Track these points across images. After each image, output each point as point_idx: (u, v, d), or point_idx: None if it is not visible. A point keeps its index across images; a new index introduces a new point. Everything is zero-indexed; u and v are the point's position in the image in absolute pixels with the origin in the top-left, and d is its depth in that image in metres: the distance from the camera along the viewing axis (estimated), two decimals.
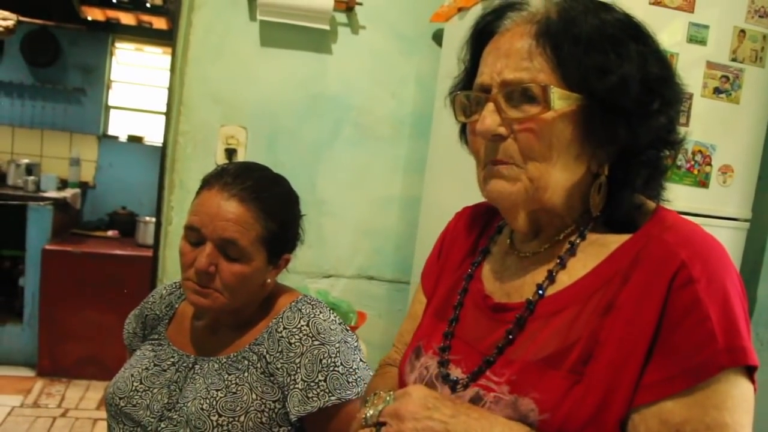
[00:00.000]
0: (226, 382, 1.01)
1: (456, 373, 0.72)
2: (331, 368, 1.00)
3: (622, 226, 0.69)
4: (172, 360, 1.08)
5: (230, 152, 2.22)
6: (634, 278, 0.62)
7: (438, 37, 2.29)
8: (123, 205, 4.05)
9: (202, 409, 0.98)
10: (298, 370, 1.00)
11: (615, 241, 0.67)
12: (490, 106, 0.67)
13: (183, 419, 0.99)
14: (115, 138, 4.50)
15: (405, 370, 0.81)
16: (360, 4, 2.22)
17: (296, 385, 0.99)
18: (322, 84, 2.28)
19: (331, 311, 1.08)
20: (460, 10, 1.93)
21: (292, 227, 1.11)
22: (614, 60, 0.64)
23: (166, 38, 4.01)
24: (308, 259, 2.28)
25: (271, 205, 1.04)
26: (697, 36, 1.45)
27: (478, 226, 0.87)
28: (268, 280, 1.08)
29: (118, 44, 4.56)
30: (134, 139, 4.48)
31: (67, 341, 3.23)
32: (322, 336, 1.02)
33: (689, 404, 0.58)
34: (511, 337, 0.69)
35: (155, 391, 1.04)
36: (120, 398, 1.05)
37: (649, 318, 0.60)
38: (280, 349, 1.02)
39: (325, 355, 1.00)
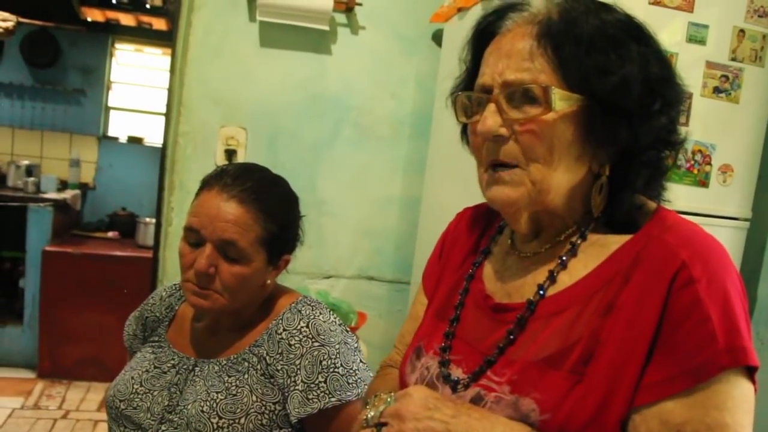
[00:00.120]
0: (226, 384, 1.01)
1: (457, 373, 0.72)
2: (331, 369, 1.00)
3: (622, 227, 0.69)
4: (172, 362, 1.08)
5: (230, 153, 2.22)
6: (635, 278, 0.62)
7: (438, 38, 2.29)
8: (123, 206, 4.05)
9: (202, 411, 0.98)
10: (298, 372, 1.00)
11: (616, 241, 0.68)
12: (492, 106, 0.67)
13: (183, 421, 0.99)
14: (115, 139, 4.50)
15: (406, 370, 0.81)
16: (359, 4, 2.22)
17: (296, 387, 0.99)
18: (322, 84, 2.28)
19: (331, 312, 1.08)
20: (459, 10, 1.93)
21: (292, 228, 1.11)
22: (615, 60, 0.64)
23: (165, 39, 4.00)
24: (308, 259, 2.28)
25: (271, 206, 1.04)
26: (696, 36, 1.45)
27: (479, 227, 0.87)
28: (268, 281, 1.08)
29: (117, 45, 4.57)
30: (134, 140, 4.48)
31: (67, 342, 3.23)
32: (322, 337, 1.02)
33: (690, 405, 0.58)
34: (512, 337, 0.69)
35: (155, 393, 1.04)
36: (120, 401, 1.05)
37: (650, 318, 0.60)
38: (280, 351, 1.02)
39: (325, 357, 1.00)
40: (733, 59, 1.49)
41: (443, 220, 0.96)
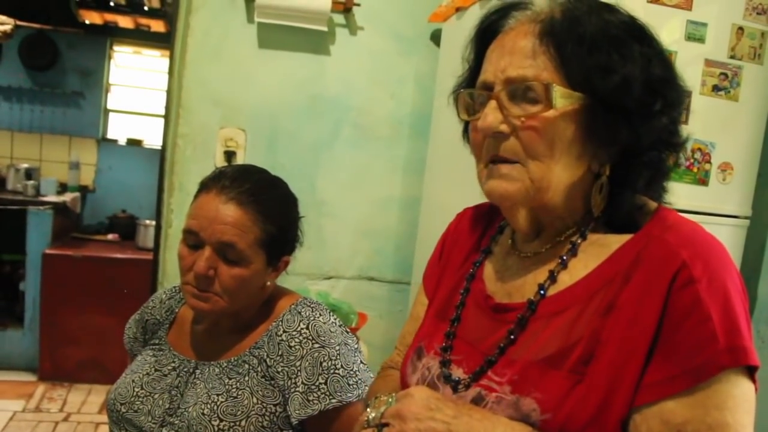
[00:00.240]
0: (226, 387, 1.01)
1: (458, 373, 0.72)
2: (332, 371, 0.99)
3: (623, 226, 0.69)
4: (173, 365, 1.08)
5: (229, 154, 2.22)
6: (635, 278, 0.62)
7: (436, 37, 2.29)
8: (123, 209, 4.05)
9: (203, 414, 0.98)
10: (299, 374, 0.99)
11: (616, 241, 0.68)
12: (493, 103, 0.67)
13: (184, 424, 0.99)
14: (115, 141, 4.50)
15: (407, 371, 0.81)
16: (358, 5, 2.22)
17: (297, 389, 0.99)
18: (321, 85, 2.28)
19: (331, 313, 1.08)
20: (458, 10, 1.93)
21: (291, 229, 1.11)
22: (617, 60, 0.64)
23: (164, 41, 4.00)
24: (308, 260, 2.28)
25: (270, 208, 1.04)
26: (695, 34, 1.45)
27: (480, 227, 0.87)
28: (268, 283, 1.08)
29: (116, 47, 4.57)
30: (133, 142, 4.48)
31: (68, 345, 3.23)
32: (322, 339, 1.02)
33: (691, 404, 0.58)
34: (512, 336, 0.69)
35: (156, 396, 1.04)
36: (121, 404, 1.04)
37: (650, 318, 0.60)
38: (280, 353, 1.02)
39: (326, 358, 1.00)
40: (732, 57, 1.49)
41: (443, 220, 0.96)
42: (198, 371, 1.06)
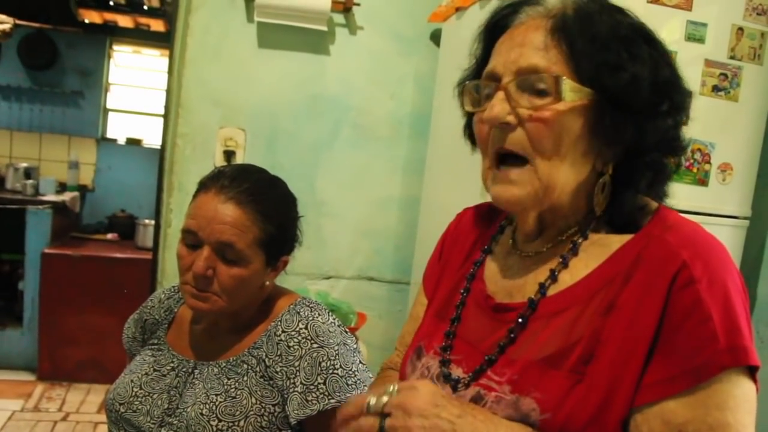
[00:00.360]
0: (225, 387, 1.01)
1: (457, 372, 0.72)
2: (330, 371, 0.99)
3: (624, 226, 0.69)
4: (171, 365, 1.08)
5: (229, 154, 2.22)
6: (636, 278, 0.62)
7: (436, 37, 2.29)
8: (122, 208, 4.05)
9: (201, 414, 0.98)
10: (297, 374, 0.99)
11: (617, 241, 0.68)
12: (500, 94, 0.67)
13: (183, 424, 0.98)
14: (114, 141, 4.50)
15: (406, 370, 0.81)
16: (357, 4, 2.22)
17: (295, 389, 0.99)
18: (321, 85, 2.28)
19: (330, 313, 1.08)
20: (457, 9, 1.93)
21: (290, 229, 1.10)
22: (627, 59, 0.64)
23: (163, 40, 4.00)
24: (308, 260, 2.28)
25: (269, 208, 1.04)
26: (695, 34, 1.45)
27: (480, 227, 0.87)
28: (267, 283, 1.08)
29: (115, 47, 4.56)
30: (133, 142, 4.48)
31: (67, 345, 3.23)
32: (321, 339, 1.02)
33: (692, 404, 0.58)
34: (512, 335, 0.69)
35: (155, 396, 1.04)
36: (120, 404, 1.04)
37: (651, 318, 0.60)
38: (279, 353, 1.02)
39: (324, 358, 1.00)
40: (732, 57, 1.49)
41: (443, 220, 0.96)
42: (197, 371, 1.05)
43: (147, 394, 1.04)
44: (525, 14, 0.71)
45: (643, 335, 0.60)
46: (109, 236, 3.74)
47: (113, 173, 4.37)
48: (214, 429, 0.96)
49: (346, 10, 2.23)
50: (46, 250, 3.24)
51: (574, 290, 0.67)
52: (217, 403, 0.99)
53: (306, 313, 1.05)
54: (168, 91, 2.23)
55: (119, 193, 4.28)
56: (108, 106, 4.55)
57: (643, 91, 0.64)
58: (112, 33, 4.42)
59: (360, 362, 1.05)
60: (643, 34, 0.67)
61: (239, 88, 2.22)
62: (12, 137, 4.29)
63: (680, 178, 1.48)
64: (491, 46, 0.72)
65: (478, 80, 0.72)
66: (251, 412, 0.98)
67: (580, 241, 0.70)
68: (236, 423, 0.97)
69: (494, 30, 0.74)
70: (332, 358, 1.00)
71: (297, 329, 1.03)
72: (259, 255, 1.03)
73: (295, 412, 0.98)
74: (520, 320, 0.69)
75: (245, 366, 1.03)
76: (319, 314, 1.06)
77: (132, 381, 1.07)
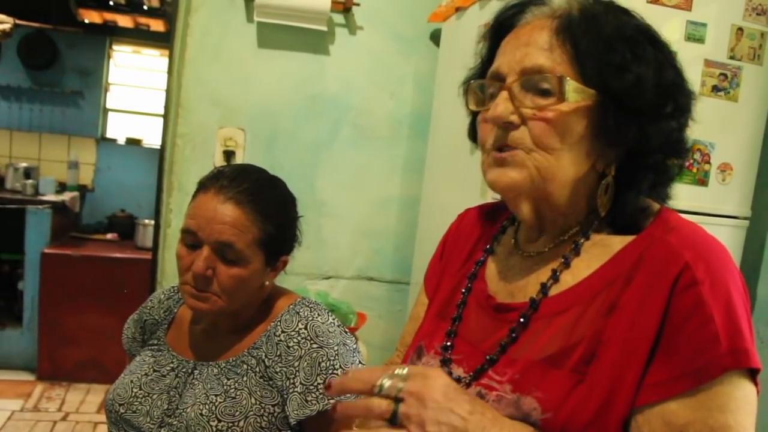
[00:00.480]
0: (225, 387, 1.01)
1: (458, 372, 0.72)
2: (330, 371, 0.99)
3: (625, 227, 0.69)
4: (171, 365, 1.08)
5: (228, 154, 2.21)
6: (638, 279, 0.62)
7: (436, 37, 2.29)
8: (122, 208, 4.05)
9: (201, 414, 0.98)
10: (297, 374, 0.99)
11: (619, 242, 0.68)
12: (504, 94, 0.67)
13: (183, 425, 0.98)
14: (114, 141, 4.50)
15: None
16: (357, 4, 2.22)
17: (295, 389, 0.99)
18: (321, 85, 2.28)
19: (330, 313, 1.08)
20: (457, 10, 1.93)
21: (290, 229, 1.10)
22: (631, 60, 0.64)
23: (163, 40, 4.00)
24: (308, 260, 2.28)
25: (268, 208, 1.04)
26: (695, 34, 1.45)
27: (482, 227, 0.87)
28: (266, 283, 1.08)
29: (115, 47, 4.56)
30: (132, 142, 4.48)
31: (66, 345, 3.23)
32: (321, 339, 1.02)
33: (693, 406, 0.58)
34: (514, 335, 0.69)
35: (155, 397, 1.04)
36: (120, 404, 1.04)
37: (652, 319, 0.60)
38: (278, 353, 1.02)
39: (324, 358, 1.00)
40: (732, 57, 1.49)
41: (442, 220, 0.96)
42: (196, 372, 1.05)
43: (147, 394, 1.04)
44: (531, 14, 0.71)
45: (644, 336, 0.60)
46: (109, 236, 3.74)
47: (113, 173, 4.37)
48: (214, 429, 0.96)
49: (346, 10, 2.23)
50: (46, 250, 3.24)
51: (576, 290, 0.67)
52: (216, 404, 0.99)
53: (305, 314, 1.05)
54: (168, 91, 2.23)
55: (119, 193, 4.28)
56: (108, 106, 4.55)
57: (648, 93, 0.64)
58: (111, 33, 4.43)
59: (360, 362, 1.05)
60: (648, 36, 0.67)
61: (239, 88, 2.22)
62: (12, 137, 4.29)
63: (680, 178, 1.46)
64: (497, 46, 0.73)
65: (483, 79, 0.72)
66: (251, 413, 0.98)
67: (582, 241, 0.70)
68: (236, 423, 0.97)
69: (500, 30, 0.74)
70: (332, 358, 1.00)
71: (297, 329, 1.03)
72: (259, 255, 1.03)
73: (295, 412, 0.98)
74: (521, 320, 0.69)
75: (245, 366, 1.03)
76: (318, 314, 1.06)
77: (132, 382, 1.06)
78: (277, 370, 1.01)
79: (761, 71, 1.52)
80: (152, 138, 4.45)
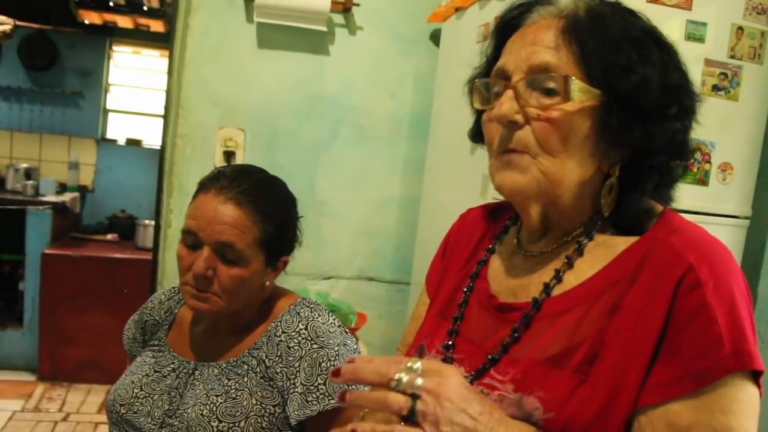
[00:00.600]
0: (225, 388, 1.01)
1: (459, 371, 0.72)
2: None
3: (629, 228, 0.69)
4: (172, 366, 1.08)
5: (229, 154, 2.22)
6: (641, 280, 0.62)
7: (435, 37, 2.29)
8: (122, 209, 4.05)
9: (202, 415, 0.98)
10: (298, 374, 0.99)
11: (622, 242, 0.67)
12: (509, 93, 0.67)
13: (183, 425, 0.98)
14: (114, 141, 4.50)
15: None
16: (357, 5, 2.22)
17: (296, 389, 0.99)
18: (320, 85, 2.28)
19: (330, 314, 1.08)
20: (457, 9, 1.93)
21: (290, 229, 1.10)
22: (637, 61, 0.64)
23: (163, 41, 4.00)
24: (308, 260, 2.28)
25: (268, 208, 1.04)
26: (695, 33, 1.45)
27: (484, 226, 0.87)
28: (267, 283, 1.08)
29: (115, 47, 4.56)
30: (133, 142, 4.48)
31: (67, 345, 3.23)
32: (321, 339, 1.02)
33: (696, 407, 0.58)
34: (516, 335, 0.69)
35: (156, 397, 1.04)
36: (121, 405, 1.04)
37: (655, 320, 0.60)
38: (279, 354, 1.02)
39: (324, 359, 1.00)
40: (732, 57, 1.48)
41: (442, 220, 0.96)
42: (197, 372, 1.05)
43: (147, 395, 1.04)
44: (537, 14, 0.71)
45: (647, 337, 0.60)
46: (109, 237, 3.74)
47: (113, 174, 4.37)
48: (215, 430, 0.96)
49: (346, 10, 2.23)
50: (47, 251, 3.24)
51: (579, 291, 0.67)
52: (217, 404, 0.99)
53: (306, 314, 1.05)
54: (168, 92, 2.23)
55: (119, 193, 4.28)
56: (108, 106, 4.55)
57: (652, 94, 0.64)
58: (111, 34, 4.43)
59: None
60: (654, 37, 0.67)
61: (239, 89, 2.22)
62: (12, 138, 4.29)
63: (680, 178, 1.48)
64: (502, 45, 0.73)
65: (488, 78, 0.72)
66: (252, 413, 0.98)
67: (585, 242, 0.70)
68: (237, 424, 0.97)
69: (506, 29, 0.74)
70: (332, 358, 1.00)
71: (297, 330, 1.03)
72: (259, 255, 1.03)
73: (296, 412, 0.98)
74: (524, 320, 0.69)
75: (245, 367, 1.03)
76: (319, 315, 1.06)
77: (132, 382, 1.06)
78: (278, 370, 1.01)
79: (761, 70, 1.52)
80: (152, 138, 4.45)
